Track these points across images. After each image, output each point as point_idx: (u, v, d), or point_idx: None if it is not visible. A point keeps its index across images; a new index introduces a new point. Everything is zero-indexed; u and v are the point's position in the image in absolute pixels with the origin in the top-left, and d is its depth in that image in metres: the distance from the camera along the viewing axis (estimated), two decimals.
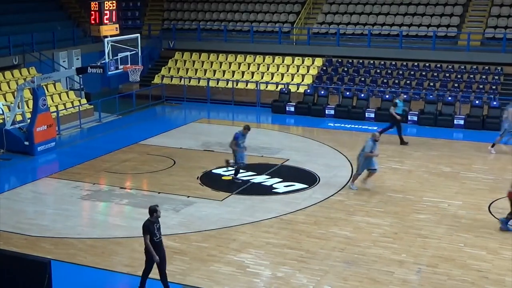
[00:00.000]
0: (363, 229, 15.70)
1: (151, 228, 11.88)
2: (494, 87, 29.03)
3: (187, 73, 33.74)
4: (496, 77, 29.60)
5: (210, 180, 19.64)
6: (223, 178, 19.86)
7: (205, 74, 33.43)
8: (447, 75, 30.30)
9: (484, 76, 29.79)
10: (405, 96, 26.05)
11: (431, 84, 29.98)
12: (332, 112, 28.72)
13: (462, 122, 26.55)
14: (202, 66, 34.09)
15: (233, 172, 19.50)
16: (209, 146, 23.37)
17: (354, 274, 13.22)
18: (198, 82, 33.00)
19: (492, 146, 22.76)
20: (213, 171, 20.46)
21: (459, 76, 30.18)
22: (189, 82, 32.89)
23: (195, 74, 33.64)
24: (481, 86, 29.24)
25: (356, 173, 18.79)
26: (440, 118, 27.05)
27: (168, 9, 38.54)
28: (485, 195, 18.14)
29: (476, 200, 17.74)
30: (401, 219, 16.36)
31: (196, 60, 34.62)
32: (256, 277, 13.21)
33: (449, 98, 28.06)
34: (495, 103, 27.06)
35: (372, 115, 28.07)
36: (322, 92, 29.97)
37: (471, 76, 30.02)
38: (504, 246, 14.66)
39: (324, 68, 32.38)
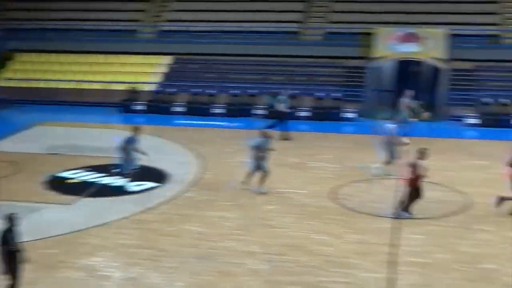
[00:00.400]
0: (214, 224, 15.87)
1: (8, 237, 11.35)
2: (336, 79, 30.33)
3: (33, 75, 32.47)
4: (338, 70, 30.94)
5: (57, 184, 19.04)
6: (68, 181, 19.31)
7: (51, 75, 32.34)
8: (292, 69, 31.30)
9: (328, 70, 31.05)
10: (289, 92, 26.39)
11: (278, 78, 30.82)
12: (182, 109, 28.77)
13: (307, 114, 27.52)
14: (49, 67, 32.95)
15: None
16: (55, 150, 22.65)
17: (207, 268, 13.34)
18: (44, 84, 31.86)
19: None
20: (59, 175, 19.86)
21: (303, 69, 31.26)
22: (35, 84, 31.69)
23: (41, 75, 32.43)
24: (325, 79, 30.44)
25: (250, 174, 18.33)
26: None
27: (12, 9, 36.73)
28: (330, 183, 18.92)
29: (322, 188, 18.45)
30: (251, 211, 16.71)
31: (42, 61, 33.42)
32: (107, 281, 12.98)
33: (295, 91, 29.01)
34: (338, 95, 28.32)
35: (222, 111, 28.43)
36: (171, 90, 29.96)
37: (315, 69, 31.19)
38: (347, 230, 15.37)
39: (173, 65, 32.36)
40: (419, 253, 14.02)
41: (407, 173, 15.91)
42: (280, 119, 24.29)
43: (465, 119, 26.33)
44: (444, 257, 13.86)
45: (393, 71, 32.49)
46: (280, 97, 24.65)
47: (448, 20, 31.78)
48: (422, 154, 15.87)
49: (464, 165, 20.96)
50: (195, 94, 29.69)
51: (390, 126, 19.77)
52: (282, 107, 24.36)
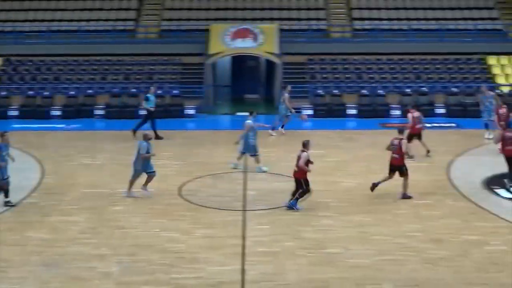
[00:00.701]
0: (60, 229, 15.41)
1: None
2: (174, 76, 30.43)
3: None
4: (175, 67, 31.06)
5: None
6: None
7: None
8: (129, 67, 31.01)
9: (164, 67, 31.08)
10: (157, 91, 26.04)
11: (116, 77, 30.40)
12: (16, 113, 27.63)
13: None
14: None
15: None
16: None
17: (55, 275, 12.94)
18: None
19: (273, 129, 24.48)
20: None
21: (140, 68, 31.05)
22: None
23: None
24: (162, 76, 30.44)
25: (132, 179, 17.62)
26: (126, 110, 27.73)
27: None
28: (176, 180, 19.00)
29: (167, 186, 18.48)
30: (98, 214, 16.40)
31: None
32: None
33: (133, 90, 28.82)
34: (175, 91, 28.51)
35: (59, 113, 27.65)
36: (2, 93, 28.65)
37: (153, 67, 31.10)
38: (196, 226, 15.53)
39: (3, 68, 30.90)
40: (267, 243, 14.48)
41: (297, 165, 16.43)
42: (148, 118, 24.12)
43: (302, 111, 27.38)
44: (290, 244, 14.41)
45: (229, 67, 33.18)
46: (148, 95, 24.36)
47: (281, 15, 32.92)
48: (305, 146, 16.49)
49: None
50: (30, 96, 28.57)
51: (248, 121, 20.10)
52: (148, 105, 24.12)
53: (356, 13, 33.32)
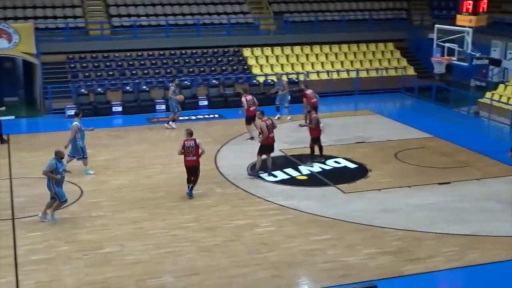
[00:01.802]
0: None
1: None
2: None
3: None
4: None
5: None
6: None
7: None
8: None
9: None
10: None
11: None
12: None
13: None
14: None
15: None
16: None
17: None
18: None
19: (168, 123, 24.92)
20: None
21: None
22: None
23: None
24: None
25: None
26: None
27: None
28: None
29: None
30: None
31: None
32: None
33: None
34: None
35: None
36: None
37: None
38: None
39: None
40: (41, 250, 14.03)
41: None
42: None
43: (66, 111, 26.65)
44: (65, 248, 14.11)
45: None
46: None
47: (35, 14, 31.66)
48: (189, 134, 17.16)
49: None
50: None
51: (75, 122, 19.12)
52: None
53: (113, 10, 33.10)
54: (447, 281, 13.45)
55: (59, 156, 15.39)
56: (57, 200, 15.45)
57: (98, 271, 13.08)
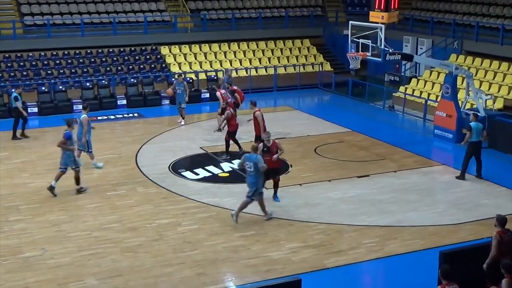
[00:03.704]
0: None
1: None
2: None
3: None
4: None
5: None
6: None
7: None
8: None
9: None
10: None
11: None
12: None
13: None
14: None
15: None
16: None
17: None
18: None
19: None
20: None
21: None
22: None
23: None
24: None
25: None
26: None
27: None
28: None
29: None
30: None
31: None
32: None
33: None
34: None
35: None
36: None
37: None
38: None
39: None
40: None
41: None
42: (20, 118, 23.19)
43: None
44: None
45: None
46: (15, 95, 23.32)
47: None
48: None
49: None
50: None
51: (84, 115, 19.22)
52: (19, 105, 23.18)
53: (25, 9, 32.21)
54: (369, 272, 13.81)
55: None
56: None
57: (18, 277, 12.76)
